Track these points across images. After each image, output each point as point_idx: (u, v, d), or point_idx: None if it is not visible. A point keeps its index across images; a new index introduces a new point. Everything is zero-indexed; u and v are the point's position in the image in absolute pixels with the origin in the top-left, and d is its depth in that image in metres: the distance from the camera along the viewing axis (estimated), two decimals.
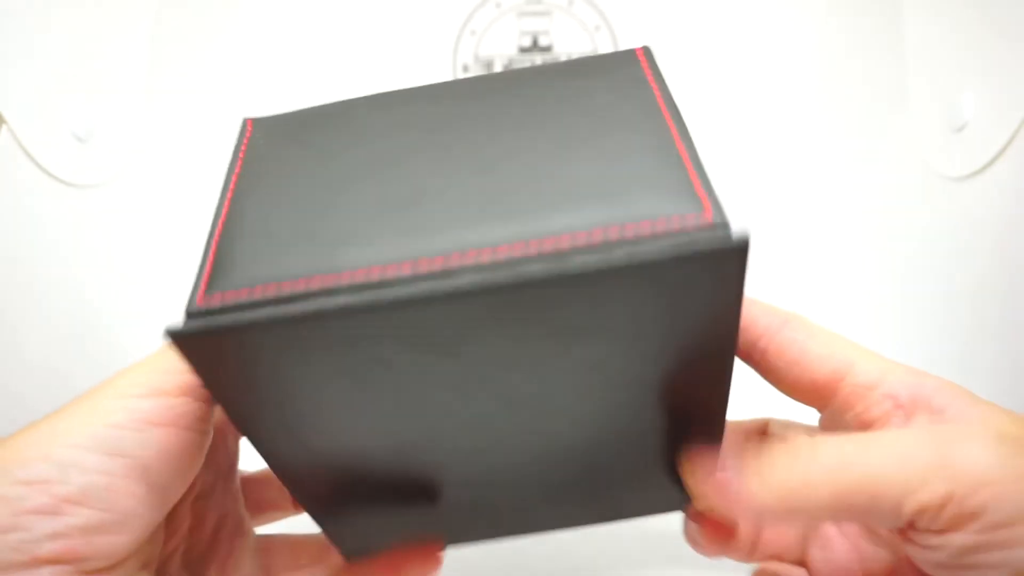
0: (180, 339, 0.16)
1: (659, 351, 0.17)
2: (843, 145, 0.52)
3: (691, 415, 0.20)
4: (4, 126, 0.30)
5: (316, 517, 0.23)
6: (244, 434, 0.19)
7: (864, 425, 0.20)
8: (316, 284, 0.16)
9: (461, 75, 0.55)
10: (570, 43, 0.54)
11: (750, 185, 0.57)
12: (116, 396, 0.20)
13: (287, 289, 0.16)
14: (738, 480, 0.19)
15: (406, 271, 0.16)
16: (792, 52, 0.54)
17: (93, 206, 0.36)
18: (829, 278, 0.54)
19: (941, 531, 0.17)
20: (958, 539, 0.17)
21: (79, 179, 0.35)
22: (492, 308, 0.16)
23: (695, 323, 0.17)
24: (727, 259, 0.15)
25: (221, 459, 0.26)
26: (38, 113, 0.32)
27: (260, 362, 0.17)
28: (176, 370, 0.20)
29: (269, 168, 0.20)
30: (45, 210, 0.32)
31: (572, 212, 0.16)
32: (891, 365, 0.21)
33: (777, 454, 0.19)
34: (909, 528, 0.18)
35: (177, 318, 0.17)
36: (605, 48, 0.54)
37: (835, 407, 0.21)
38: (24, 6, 0.31)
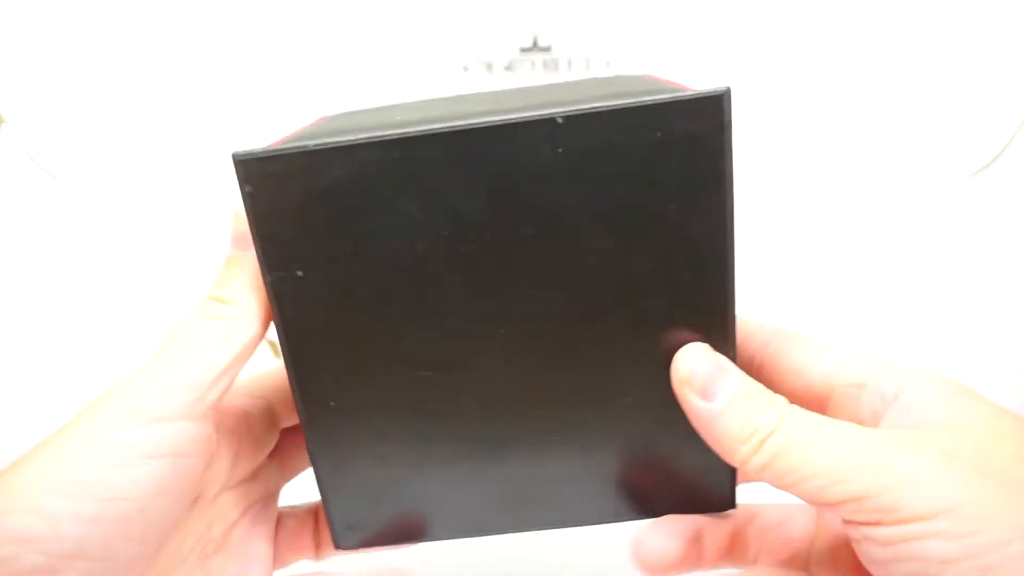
0: (250, 161, 0.20)
1: (670, 190, 0.21)
2: (843, 144, 0.52)
3: (698, 299, 0.22)
4: (4, 126, 0.30)
5: (317, 458, 0.23)
6: (277, 279, 0.20)
7: (859, 424, 0.21)
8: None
9: (461, 75, 0.55)
10: (570, 43, 0.54)
11: (750, 185, 0.57)
12: (108, 426, 0.18)
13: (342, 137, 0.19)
14: (716, 422, 0.20)
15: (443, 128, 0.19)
16: (792, 52, 0.54)
17: (93, 206, 0.36)
18: (830, 278, 0.54)
19: (867, 523, 0.18)
20: (880, 532, 0.18)
21: (79, 179, 0.35)
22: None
23: (693, 164, 0.21)
24: (712, 102, 0.21)
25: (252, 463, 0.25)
26: (38, 113, 0.32)
27: (318, 188, 0.20)
28: (171, 387, 0.19)
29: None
30: (45, 210, 0.32)
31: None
32: (879, 365, 0.22)
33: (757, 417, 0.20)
34: (845, 523, 0.19)
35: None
36: (605, 48, 0.54)
37: (832, 410, 0.22)
38: (24, 6, 0.31)
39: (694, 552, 0.25)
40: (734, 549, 0.26)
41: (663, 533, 0.25)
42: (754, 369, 0.24)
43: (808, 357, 0.23)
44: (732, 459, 0.20)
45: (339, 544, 0.25)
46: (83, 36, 0.35)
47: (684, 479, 0.24)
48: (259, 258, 0.21)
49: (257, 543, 0.25)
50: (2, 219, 0.30)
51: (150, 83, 0.40)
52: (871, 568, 0.19)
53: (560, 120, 0.19)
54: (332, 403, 0.22)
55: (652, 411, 0.22)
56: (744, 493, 0.27)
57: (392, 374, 0.22)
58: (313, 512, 0.27)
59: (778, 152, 0.56)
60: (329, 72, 0.55)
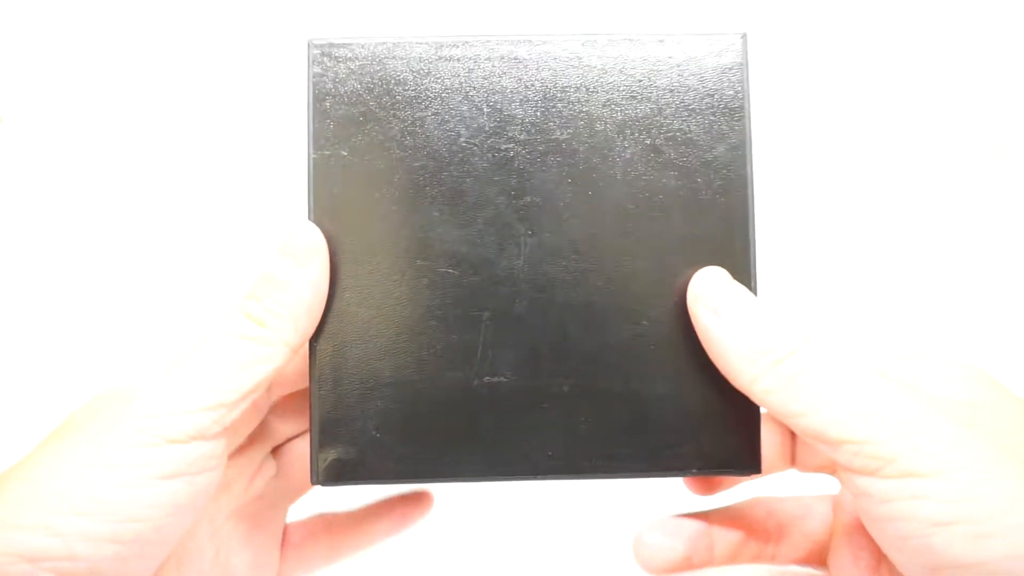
0: (322, 45, 0.22)
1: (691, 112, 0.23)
2: (843, 144, 0.52)
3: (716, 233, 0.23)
4: (3, 126, 0.30)
5: (324, 386, 0.22)
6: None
7: None
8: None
9: None
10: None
11: (756, 185, 0.57)
12: (124, 444, 0.18)
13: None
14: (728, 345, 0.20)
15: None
16: (792, 52, 0.54)
17: (93, 206, 0.36)
18: (831, 278, 0.54)
19: (863, 472, 0.18)
20: (876, 486, 0.18)
21: (79, 179, 0.35)
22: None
23: (715, 92, 0.24)
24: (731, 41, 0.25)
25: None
26: (38, 113, 0.32)
27: (377, 76, 0.22)
28: (190, 410, 0.18)
29: None
30: (45, 210, 0.32)
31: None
32: (896, 357, 0.22)
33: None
34: (842, 471, 0.19)
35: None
36: None
37: None
38: (24, 6, 0.31)
39: (702, 551, 0.24)
40: (748, 546, 0.25)
41: (666, 531, 0.24)
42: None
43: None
44: (739, 379, 0.20)
45: (321, 480, 0.23)
46: (83, 36, 0.35)
47: (706, 435, 0.23)
48: (309, 136, 0.22)
49: (264, 540, 0.25)
50: (1, 219, 0.30)
51: (150, 83, 0.40)
52: (868, 524, 0.19)
53: (601, 42, 0.23)
54: (347, 294, 0.22)
55: (666, 347, 0.22)
56: (755, 488, 0.27)
57: (415, 268, 0.22)
58: (324, 521, 0.27)
59: (778, 152, 0.56)
60: None
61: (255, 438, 0.25)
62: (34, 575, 0.17)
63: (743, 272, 0.22)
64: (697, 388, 0.22)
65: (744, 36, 0.25)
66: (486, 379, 0.22)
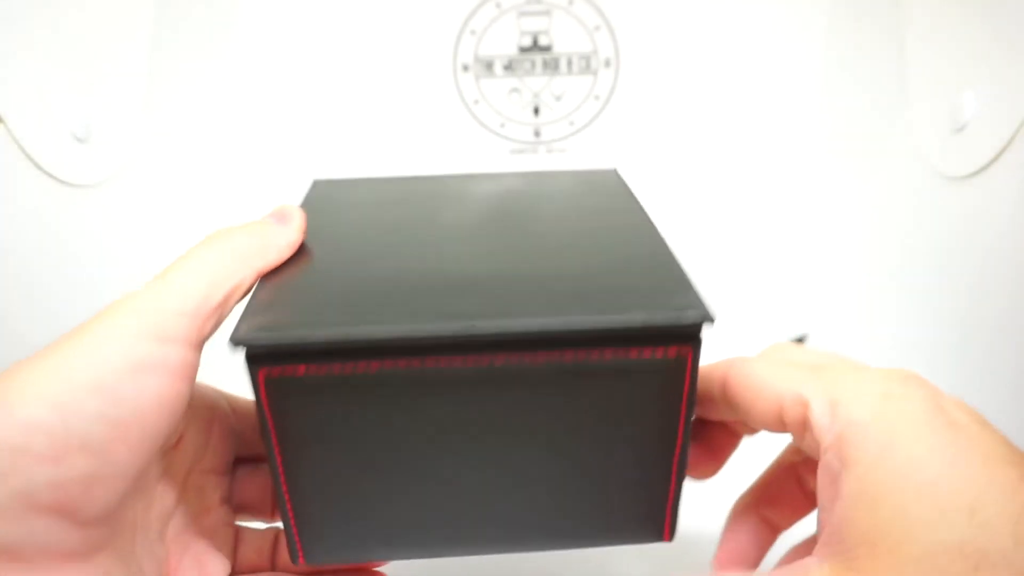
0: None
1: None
2: (844, 145, 0.52)
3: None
4: (3, 126, 0.30)
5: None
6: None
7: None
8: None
9: (461, 75, 0.55)
10: (570, 43, 0.54)
11: (751, 184, 0.57)
12: (116, 336, 0.19)
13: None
14: None
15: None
16: (793, 53, 0.54)
17: (93, 206, 0.36)
18: (829, 277, 0.54)
19: (805, 427, 0.21)
20: (813, 436, 0.20)
21: (79, 179, 0.35)
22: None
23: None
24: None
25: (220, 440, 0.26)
26: (38, 113, 0.32)
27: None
28: (173, 311, 0.20)
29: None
30: (45, 210, 0.32)
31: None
32: (812, 376, 0.22)
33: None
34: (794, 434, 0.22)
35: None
36: (605, 48, 0.54)
37: (790, 426, 0.23)
38: (24, 6, 0.31)
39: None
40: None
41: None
42: (717, 406, 0.25)
43: (755, 382, 0.23)
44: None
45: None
46: (83, 36, 0.35)
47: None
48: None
49: (218, 544, 0.25)
50: (1, 219, 0.30)
51: (150, 83, 0.40)
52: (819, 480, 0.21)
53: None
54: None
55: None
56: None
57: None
58: (272, 534, 0.27)
59: (779, 151, 0.56)
60: (329, 72, 0.55)
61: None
62: (29, 442, 0.18)
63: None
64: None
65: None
66: None
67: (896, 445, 0.18)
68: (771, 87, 0.54)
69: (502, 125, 0.56)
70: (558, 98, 0.55)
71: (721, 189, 0.57)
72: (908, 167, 0.42)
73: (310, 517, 0.23)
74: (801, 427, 0.21)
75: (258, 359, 0.20)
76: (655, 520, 0.24)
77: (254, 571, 0.26)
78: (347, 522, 0.23)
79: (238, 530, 0.27)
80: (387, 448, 0.22)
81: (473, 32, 0.54)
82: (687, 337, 0.21)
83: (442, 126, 0.56)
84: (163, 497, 0.23)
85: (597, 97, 0.55)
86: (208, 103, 0.50)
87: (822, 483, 0.20)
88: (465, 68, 0.55)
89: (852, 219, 0.51)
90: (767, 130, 0.55)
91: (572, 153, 0.56)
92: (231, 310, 0.22)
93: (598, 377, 0.21)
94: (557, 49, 0.54)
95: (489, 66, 0.55)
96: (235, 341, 0.20)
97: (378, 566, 0.27)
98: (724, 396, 0.24)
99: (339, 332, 0.20)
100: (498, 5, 0.53)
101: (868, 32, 0.48)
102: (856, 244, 0.50)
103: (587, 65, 0.54)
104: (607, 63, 0.54)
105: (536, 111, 0.56)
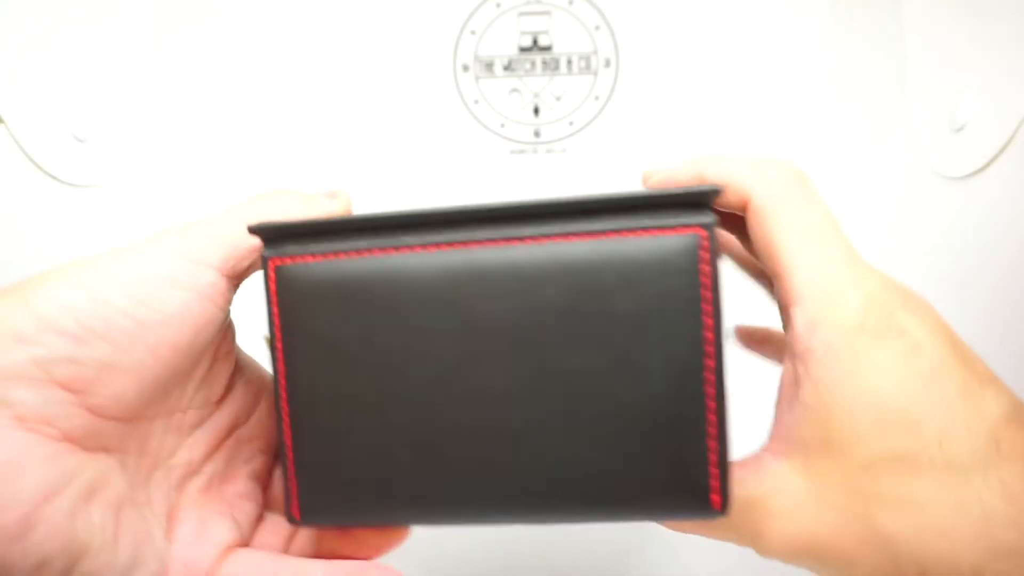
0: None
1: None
2: (843, 144, 0.52)
3: None
4: (3, 126, 0.30)
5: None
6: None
7: None
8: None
9: (461, 75, 0.55)
10: (570, 43, 0.54)
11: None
12: (155, 251, 0.21)
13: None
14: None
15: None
16: (793, 53, 0.54)
17: (93, 206, 0.36)
18: None
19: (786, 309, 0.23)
20: (790, 329, 0.22)
21: (79, 179, 0.35)
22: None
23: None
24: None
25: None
26: (38, 113, 0.32)
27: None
28: (211, 241, 0.22)
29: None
30: (45, 210, 0.32)
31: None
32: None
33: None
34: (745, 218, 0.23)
35: None
36: (605, 48, 0.54)
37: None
38: (24, 6, 0.31)
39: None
40: None
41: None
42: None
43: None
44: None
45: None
46: (83, 36, 0.35)
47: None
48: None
49: (234, 515, 0.24)
50: (1, 219, 0.30)
51: (150, 83, 0.40)
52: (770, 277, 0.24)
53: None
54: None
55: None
56: None
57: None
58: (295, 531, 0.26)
59: (778, 151, 0.56)
60: (330, 72, 0.55)
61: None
62: (56, 316, 0.19)
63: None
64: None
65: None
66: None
67: (856, 375, 0.20)
68: (770, 87, 0.54)
69: (502, 125, 0.56)
70: (558, 98, 0.55)
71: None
72: (907, 167, 0.42)
73: (311, 458, 0.21)
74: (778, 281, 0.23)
75: (271, 243, 0.21)
76: (699, 482, 0.20)
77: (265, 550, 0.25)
78: (351, 469, 0.21)
79: (264, 515, 0.26)
80: (399, 361, 0.20)
81: (473, 32, 0.54)
82: (699, 208, 0.20)
83: (442, 126, 0.56)
84: (194, 447, 0.24)
85: (597, 97, 0.55)
86: (208, 103, 0.50)
87: (785, 380, 0.22)
88: (465, 68, 0.55)
89: (850, 218, 0.51)
90: (766, 130, 0.55)
91: (572, 153, 0.56)
92: None
93: (616, 267, 0.19)
94: (557, 49, 0.54)
95: (489, 66, 0.55)
96: (251, 230, 0.21)
97: (379, 554, 0.25)
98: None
99: (351, 217, 0.21)
100: (498, 5, 0.53)
101: (867, 33, 0.48)
102: (854, 243, 0.50)
103: (587, 65, 0.54)
104: (607, 63, 0.54)
105: (536, 111, 0.56)
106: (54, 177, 0.33)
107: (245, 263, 0.22)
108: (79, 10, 0.35)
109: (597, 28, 0.53)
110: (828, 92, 0.54)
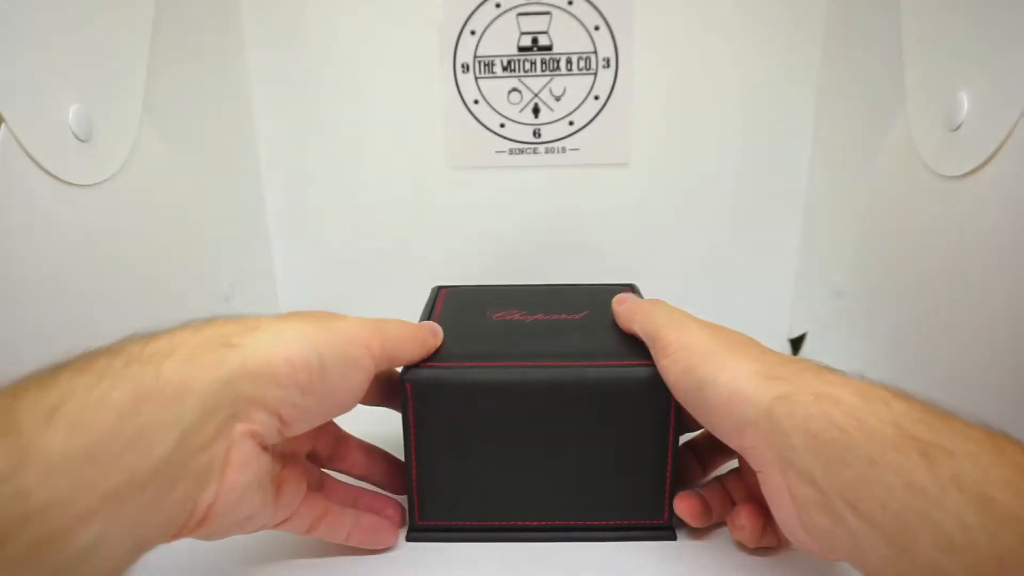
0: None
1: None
2: (841, 144, 0.52)
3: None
4: (4, 126, 0.30)
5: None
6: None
7: None
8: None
9: (461, 75, 0.55)
10: (570, 43, 0.54)
11: (748, 182, 0.57)
12: (349, 337, 0.30)
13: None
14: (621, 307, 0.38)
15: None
16: (790, 52, 0.54)
17: (93, 206, 0.36)
18: (826, 275, 0.54)
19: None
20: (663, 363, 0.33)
21: (79, 179, 0.35)
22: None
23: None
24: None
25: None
26: (38, 113, 0.32)
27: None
28: (377, 344, 0.31)
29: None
30: (45, 210, 0.32)
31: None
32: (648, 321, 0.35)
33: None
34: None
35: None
36: (605, 48, 0.54)
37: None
38: (24, 5, 0.31)
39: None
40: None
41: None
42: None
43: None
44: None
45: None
46: (83, 36, 0.35)
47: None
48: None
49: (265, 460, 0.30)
50: (1, 219, 0.30)
51: (150, 83, 0.41)
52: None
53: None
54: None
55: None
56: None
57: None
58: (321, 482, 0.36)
59: (776, 151, 0.56)
60: (330, 72, 0.56)
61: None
62: (297, 373, 0.28)
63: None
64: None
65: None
66: None
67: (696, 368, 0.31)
68: (769, 87, 0.54)
69: (502, 125, 0.56)
70: (558, 98, 0.55)
71: (719, 188, 0.57)
72: (903, 166, 0.42)
73: (427, 487, 0.35)
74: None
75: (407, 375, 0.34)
76: (657, 503, 0.36)
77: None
78: (450, 493, 0.35)
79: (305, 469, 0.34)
80: (485, 436, 0.34)
81: (473, 32, 0.54)
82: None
83: (442, 126, 0.56)
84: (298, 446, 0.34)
85: (597, 97, 0.55)
86: (208, 103, 0.50)
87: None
88: (465, 68, 0.55)
89: (847, 217, 0.51)
90: (764, 129, 0.55)
91: (572, 153, 0.57)
92: (394, 367, 0.34)
93: (615, 385, 0.34)
94: (557, 49, 0.54)
95: (489, 66, 0.55)
96: (403, 377, 0.34)
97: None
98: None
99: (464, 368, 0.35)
100: (498, 5, 0.53)
101: (864, 32, 0.48)
102: (851, 242, 0.50)
103: (587, 65, 0.54)
104: (607, 63, 0.54)
105: (536, 111, 0.56)
106: (55, 176, 0.33)
107: (384, 366, 0.32)
108: (79, 10, 0.35)
109: (597, 28, 0.53)
110: (825, 92, 0.54)
